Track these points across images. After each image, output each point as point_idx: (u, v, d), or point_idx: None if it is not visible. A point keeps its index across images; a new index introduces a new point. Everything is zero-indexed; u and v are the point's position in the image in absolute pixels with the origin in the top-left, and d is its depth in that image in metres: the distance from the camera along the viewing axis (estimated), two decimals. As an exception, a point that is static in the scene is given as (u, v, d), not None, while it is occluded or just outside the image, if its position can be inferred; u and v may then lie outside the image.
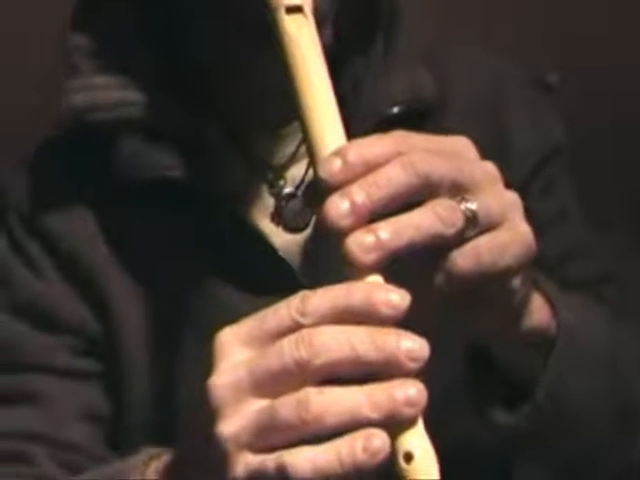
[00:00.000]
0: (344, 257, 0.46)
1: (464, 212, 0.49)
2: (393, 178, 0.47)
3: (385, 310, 0.45)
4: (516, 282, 0.52)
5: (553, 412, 0.60)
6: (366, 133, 0.65)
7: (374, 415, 0.44)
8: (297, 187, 0.70)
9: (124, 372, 0.70)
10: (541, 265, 0.58)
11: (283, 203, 0.70)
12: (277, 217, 0.70)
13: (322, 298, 0.46)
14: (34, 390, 0.70)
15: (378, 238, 0.46)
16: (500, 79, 0.76)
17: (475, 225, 0.49)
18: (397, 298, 0.45)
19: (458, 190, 0.49)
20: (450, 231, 0.48)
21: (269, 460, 0.45)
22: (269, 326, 0.46)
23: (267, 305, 0.48)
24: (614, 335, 0.66)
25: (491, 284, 0.51)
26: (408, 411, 0.44)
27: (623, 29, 1.60)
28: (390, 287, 0.46)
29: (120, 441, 0.71)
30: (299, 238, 0.70)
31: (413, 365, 0.44)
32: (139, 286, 0.70)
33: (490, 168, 0.51)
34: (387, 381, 0.44)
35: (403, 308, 0.45)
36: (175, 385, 0.69)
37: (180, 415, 0.67)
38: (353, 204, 0.46)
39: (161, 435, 0.65)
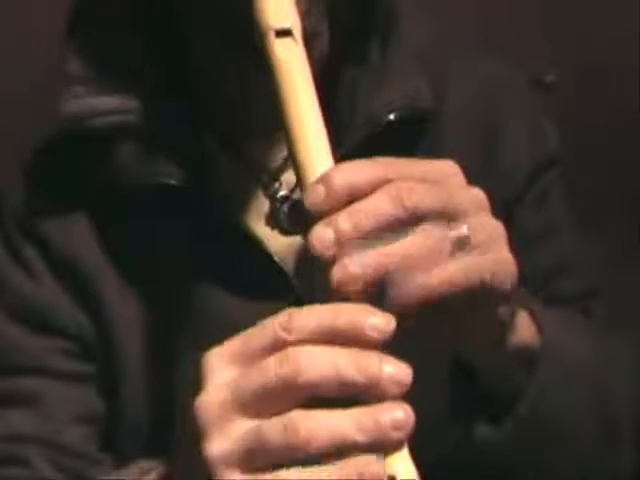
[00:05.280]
0: (331, 285, 0.46)
1: (451, 239, 0.48)
2: (379, 209, 0.46)
3: (370, 333, 0.45)
4: (501, 305, 0.52)
5: (536, 427, 0.60)
6: (362, 141, 0.66)
7: (362, 439, 0.43)
8: (292, 190, 0.70)
9: (119, 375, 0.70)
10: (529, 279, 0.58)
11: (278, 206, 0.70)
12: (272, 220, 0.70)
13: (308, 316, 0.45)
14: (29, 393, 0.70)
15: (362, 268, 0.46)
16: (495, 86, 0.75)
17: (462, 250, 0.48)
18: (382, 322, 0.45)
19: (444, 217, 0.48)
20: (436, 258, 0.47)
21: None
22: (254, 343, 0.46)
23: (261, 309, 0.48)
24: (600, 350, 0.66)
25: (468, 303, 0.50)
26: (395, 435, 0.44)
27: (622, 29, 1.60)
28: (376, 311, 0.46)
29: (116, 443, 0.72)
30: (294, 241, 0.70)
31: (396, 389, 0.44)
32: (134, 290, 0.70)
33: (477, 194, 0.51)
34: (373, 404, 0.44)
35: (388, 332, 0.45)
36: (170, 389, 0.69)
37: (175, 420, 0.67)
38: (338, 234, 0.46)
39: (156, 438, 0.66)
